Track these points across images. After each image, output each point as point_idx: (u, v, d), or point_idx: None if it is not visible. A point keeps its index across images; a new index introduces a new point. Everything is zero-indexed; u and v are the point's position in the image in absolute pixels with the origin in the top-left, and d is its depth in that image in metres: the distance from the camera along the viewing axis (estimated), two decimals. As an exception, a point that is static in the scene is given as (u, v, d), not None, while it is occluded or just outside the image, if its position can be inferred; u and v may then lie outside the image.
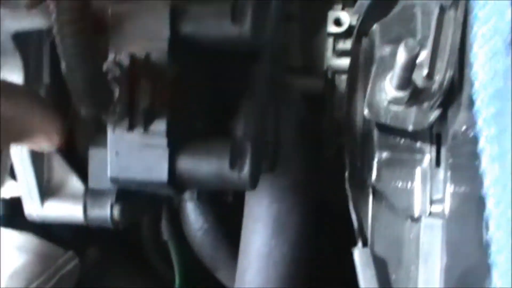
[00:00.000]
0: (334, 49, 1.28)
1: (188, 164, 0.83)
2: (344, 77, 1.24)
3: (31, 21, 0.84)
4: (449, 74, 0.75)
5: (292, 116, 1.08)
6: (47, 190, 0.97)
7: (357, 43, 1.00)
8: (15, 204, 1.00)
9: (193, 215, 1.24)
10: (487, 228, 0.69)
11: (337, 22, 1.26)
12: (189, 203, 1.23)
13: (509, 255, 0.66)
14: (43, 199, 0.96)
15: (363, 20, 0.97)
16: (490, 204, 0.68)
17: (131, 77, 0.75)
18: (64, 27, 0.63)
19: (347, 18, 1.25)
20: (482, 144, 0.69)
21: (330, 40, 1.28)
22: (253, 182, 0.83)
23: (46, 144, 0.82)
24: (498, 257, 0.67)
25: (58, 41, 0.64)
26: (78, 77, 0.65)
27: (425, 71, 0.80)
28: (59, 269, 1.08)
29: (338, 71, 1.28)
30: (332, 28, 1.26)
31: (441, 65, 0.78)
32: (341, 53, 1.26)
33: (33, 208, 0.95)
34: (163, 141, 0.81)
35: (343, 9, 1.29)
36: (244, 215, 1.08)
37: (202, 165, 0.83)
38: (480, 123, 0.68)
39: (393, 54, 0.87)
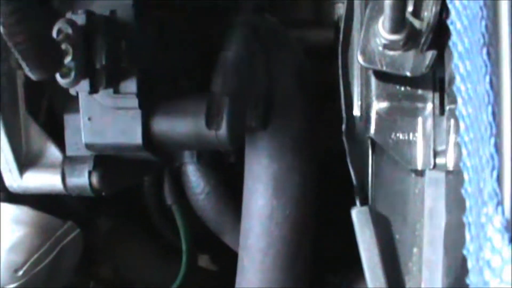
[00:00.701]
0: (345, -1, 1.22)
1: (163, 125, 0.79)
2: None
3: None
4: (435, 8, 0.68)
5: (288, 66, 1.01)
6: (26, 161, 0.94)
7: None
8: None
9: (194, 178, 1.19)
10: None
11: (347, -29, 1.20)
12: (189, 166, 1.19)
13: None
14: (22, 170, 0.93)
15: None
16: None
17: (87, 36, 0.69)
18: None
19: (357, -34, 1.18)
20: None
21: (340, -10, 1.22)
22: (233, 141, 0.78)
23: None
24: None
25: None
26: (19, 38, 0.60)
27: (410, 8, 0.73)
28: (60, 240, 1.05)
29: (348, 20, 1.22)
30: (341, -24, 1.20)
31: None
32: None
33: (13, 179, 0.93)
34: (135, 102, 0.77)
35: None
36: (244, 175, 1.04)
37: (178, 125, 0.78)
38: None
39: (388, -5, 0.81)
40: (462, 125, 0.60)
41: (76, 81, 0.69)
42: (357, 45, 0.90)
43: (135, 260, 1.35)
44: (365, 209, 0.82)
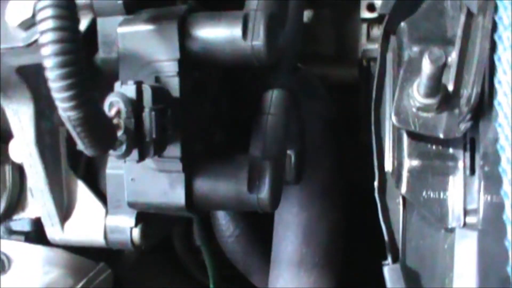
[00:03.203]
0: (368, 35, 1.24)
1: (206, 187, 0.81)
2: (378, 64, 1.20)
3: (33, 57, 0.83)
4: (476, 90, 0.70)
5: (318, 116, 1.04)
6: (67, 214, 0.96)
7: (384, 42, 0.95)
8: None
9: (224, 222, 1.22)
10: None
11: (370, 7, 1.22)
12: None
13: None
14: (64, 223, 0.96)
15: (390, 18, 0.93)
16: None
17: (137, 108, 0.72)
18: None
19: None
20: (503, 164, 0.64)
21: (364, 26, 1.24)
22: (273, 204, 0.80)
23: None
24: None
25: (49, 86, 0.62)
26: (76, 122, 0.63)
27: (450, 86, 0.75)
28: (91, 281, 1.08)
29: (373, 58, 1.23)
30: (365, 14, 1.22)
31: (468, 78, 0.73)
32: (376, 40, 1.21)
33: (55, 232, 0.96)
34: (178, 166, 0.79)
35: (375, -6, 1.25)
36: (274, 221, 1.06)
37: (220, 188, 0.80)
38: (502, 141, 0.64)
39: (422, 56, 0.83)
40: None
41: (127, 154, 0.72)
42: (389, 102, 0.93)
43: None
44: (396, 266, 0.84)
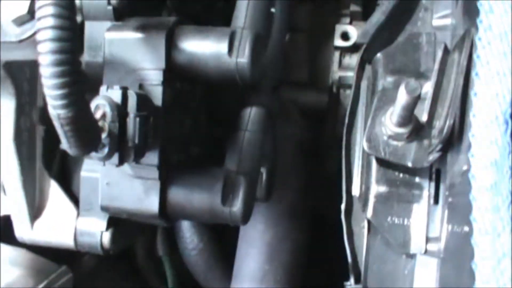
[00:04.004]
0: (340, 63, 1.27)
1: (180, 197, 0.82)
2: (349, 92, 1.22)
3: (23, 53, 0.84)
4: (448, 122, 0.73)
5: (291, 139, 1.06)
6: (37, 213, 0.96)
7: (360, 70, 0.98)
8: (10, 220, 0.99)
9: (188, 234, 1.23)
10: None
11: (344, 36, 1.25)
12: (184, 222, 1.22)
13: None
14: (33, 222, 0.96)
15: (367, 48, 0.96)
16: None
17: (122, 113, 0.73)
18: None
19: (355, 32, 1.23)
20: (474, 192, 0.67)
21: (337, 54, 1.27)
22: (245, 218, 0.82)
23: None
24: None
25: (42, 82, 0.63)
26: (64, 121, 0.64)
27: (424, 117, 0.78)
28: (52, 283, 1.07)
29: (343, 86, 1.26)
30: (339, 42, 1.25)
31: (441, 110, 0.76)
32: (347, 68, 1.24)
33: (23, 230, 0.96)
34: (155, 174, 0.80)
35: (350, 23, 1.28)
36: (239, 237, 1.07)
37: (194, 199, 0.82)
38: (474, 170, 0.67)
39: (396, 86, 0.86)
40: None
41: (108, 157, 0.73)
42: (360, 128, 0.95)
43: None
44: (358, 287, 0.86)
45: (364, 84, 0.98)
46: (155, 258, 1.32)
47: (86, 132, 0.67)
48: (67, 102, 0.62)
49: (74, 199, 0.94)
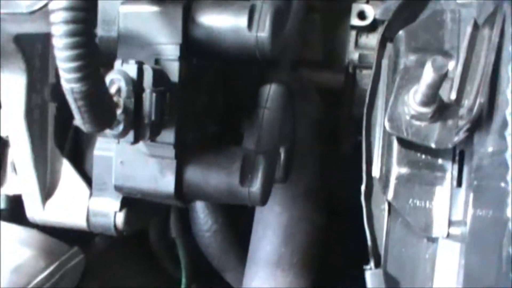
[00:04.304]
0: (357, 43, 1.24)
1: (196, 176, 0.80)
2: (365, 72, 1.20)
3: (34, 25, 0.81)
4: (479, 101, 0.70)
5: (310, 118, 1.04)
6: (50, 193, 0.94)
7: (381, 48, 0.95)
8: (20, 200, 0.98)
9: (203, 215, 1.21)
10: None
11: (361, 15, 1.22)
12: (199, 202, 1.21)
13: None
14: (45, 202, 0.94)
15: (389, 25, 0.93)
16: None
17: (137, 88, 0.71)
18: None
19: (372, 11, 1.20)
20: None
21: (353, 33, 1.24)
22: (264, 199, 0.80)
23: None
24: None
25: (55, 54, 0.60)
26: (78, 95, 0.61)
27: (453, 95, 0.75)
28: (63, 265, 1.06)
29: (359, 66, 1.24)
30: (355, 21, 1.22)
31: (471, 88, 0.73)
32: (364, 47, 1.22)
33: (35, 211, 0.94)
34: (171, 152, 0.78)
35: (367, 2, 1.25)
36: (254, 220, 1.06)
37: (211, 179, 0.79)
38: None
39: (419, 65, 0.84)
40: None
41: (123, 134, 0.70)
42: (381, 108, 0.93)
43: (123, 284, 1.35)
44: (378, 271, 0.84)
45: (385, 63, 0.95)
46: (168, 240, 1.30)
47: (101, 108, 0.65)
48: (81, 75, 0.60)
49: (87, 178, 0.93)
